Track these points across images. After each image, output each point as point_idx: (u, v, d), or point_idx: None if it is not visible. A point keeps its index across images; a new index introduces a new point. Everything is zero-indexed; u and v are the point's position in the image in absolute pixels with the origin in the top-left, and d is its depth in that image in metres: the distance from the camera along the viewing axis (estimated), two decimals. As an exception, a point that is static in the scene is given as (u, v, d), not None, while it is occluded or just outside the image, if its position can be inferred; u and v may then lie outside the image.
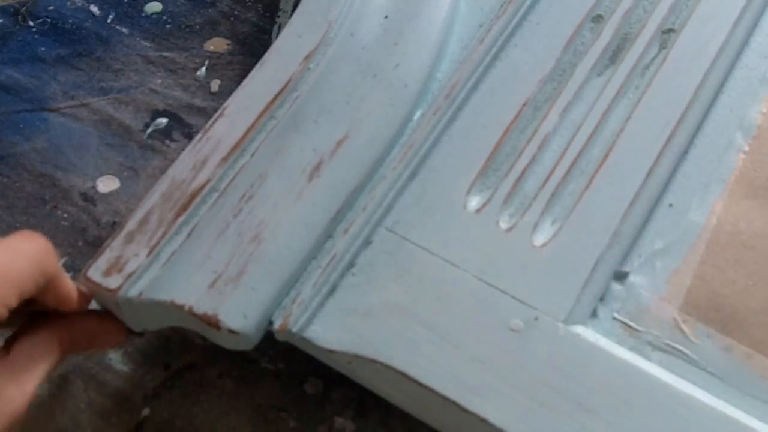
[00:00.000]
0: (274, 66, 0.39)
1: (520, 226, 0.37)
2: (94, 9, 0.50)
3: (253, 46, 0.49)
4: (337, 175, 0.37)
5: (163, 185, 0.36)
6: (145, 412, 0.39)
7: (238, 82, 0.39)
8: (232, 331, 0.33)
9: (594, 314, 0.35)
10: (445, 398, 0.32)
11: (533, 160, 0.38)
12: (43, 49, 0.48)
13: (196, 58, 0.48)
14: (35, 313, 0.33)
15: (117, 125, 0.46)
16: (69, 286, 0.32)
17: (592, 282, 0.35)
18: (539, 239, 0.36)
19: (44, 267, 0.30)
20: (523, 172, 0.38)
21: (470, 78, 0.40)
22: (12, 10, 0.50)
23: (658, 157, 0.38)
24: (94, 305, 0.35)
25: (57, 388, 0.39)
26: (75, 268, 0.42)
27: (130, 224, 0.35)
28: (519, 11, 0.42)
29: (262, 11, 0.50)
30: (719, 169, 0.39)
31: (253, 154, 0.37)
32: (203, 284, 0.34)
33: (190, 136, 0.46)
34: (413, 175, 0.38)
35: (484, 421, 0.32)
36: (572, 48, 0.41)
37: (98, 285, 0.33)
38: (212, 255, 0.35)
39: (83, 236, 0.43)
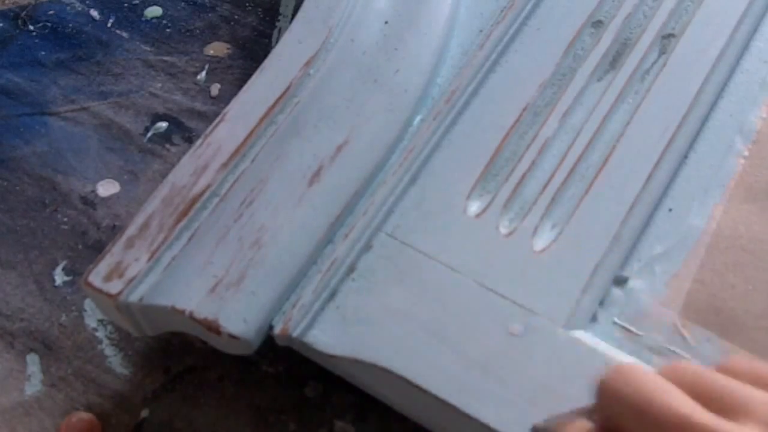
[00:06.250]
0: (275, 71, 0.39)
1: (520, 230, 0.37)
2: (95, 13, 0.50)
3: (253, 50, 0.49)
4: (337, 180, 0.37)
5: (163, 190, 0.36)
6: (144, 413, 0.39)
7: (238, 86, 0.39)
8: (232, 336, 0.33)
9: (594, 319, 0.35)
10: (444, 402, 0.32)
11: (533, 164, 0.38)
12: (43, 53, 0.49)
13: (196, 62, 0.48)
14: None
15: (117, 129, 0.46)
16: None
17: (592, 286, 0.35)
18: (539, 244, 0.36)
19: None
20: (523, 177, 0.38)
21: (470, 83, 0.40)
22: (12, 14, 0.50)
23: (658, 162, 0.38)
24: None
25: (57, 390, 0.39)
26: (75, 271, 0.42)
27: (131, 229, 0.35)
28: (519, 17, 0.42)
29: (262, 15, 0.50)
30: (719, 173, 0.39)
31: (253, 160, 0.37)
32: (204, 289, 0.34)
33: (190, 140, 0.46)
34: (413, 180, 0.38)
35: (483, 425, 0.32)
36: (572, 53, 0.41)
37: (99, 290, 0.34)
38: (213, 260, 0.35)
39: (83, 240, 0.43)
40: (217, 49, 0.49)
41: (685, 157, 0.39)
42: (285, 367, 0.40)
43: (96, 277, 0.34)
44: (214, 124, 0.38)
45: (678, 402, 0.24)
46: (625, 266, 0.37)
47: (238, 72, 0.48)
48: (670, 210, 0.38)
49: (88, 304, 0.41)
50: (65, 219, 0.44)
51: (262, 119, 0.38)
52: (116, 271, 0.34)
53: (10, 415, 0.39)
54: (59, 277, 0.42)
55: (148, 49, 0.49)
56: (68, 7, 0.50)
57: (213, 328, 0.33)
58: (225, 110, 0.38)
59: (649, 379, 0.25)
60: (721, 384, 0.25)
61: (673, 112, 0.39)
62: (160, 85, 0.47)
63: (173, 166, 0.37)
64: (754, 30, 0.42)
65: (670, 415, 0.24)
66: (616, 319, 0.36)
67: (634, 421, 0.24)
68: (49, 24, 0.50)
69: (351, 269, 0.36)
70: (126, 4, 0.50)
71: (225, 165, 0.36)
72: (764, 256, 0.37)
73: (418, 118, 0.40)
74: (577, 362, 0.33)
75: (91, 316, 0.41)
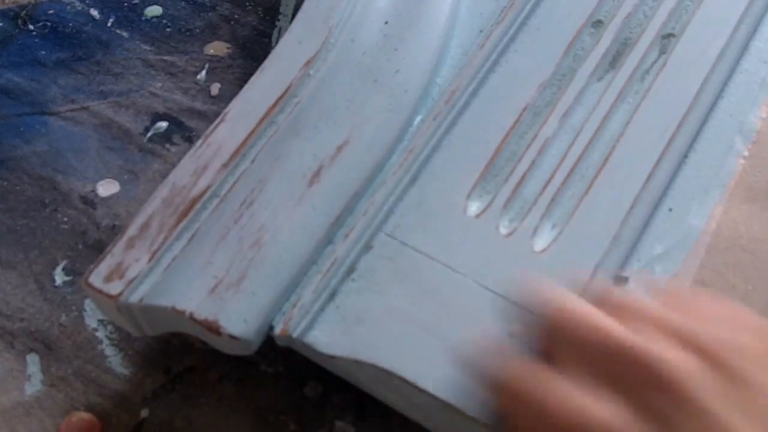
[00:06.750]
0: (275, 72, 0.39)
1: (520, 231, 0.37)
2: (95, 13, 0.50)
3: (253, 49, 0.49)
4: (337, 180, 0.37)
5: (164, 191, 0.36)
6: (144, 413, 0.39)
7: (239, 86, 0.39)
8: (232, 337, 0.33)
9: (594, 319, 0.35)
10: (444, 403, 0.32)
11: (533, 165, 0.38)
12: (43, 52, 0.49)
13: (196, 61, 0.48)
14: None
15: (117, 129, 0.46)
16: None
17: (592, 287, 0.35)
18: (539, 244, 0.36)
19: None
20: (523, 177, 0.38)
21: (470, 83, 0.40)
22: (12, 13, 0.50)
23: (658, 162, 0.38)
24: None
25: (57, 390, 0.39)
26: (75, 271, 0.42)
27: (131, 230, 0.35)
28: (519, 17, 0.42)
29: (262, 15, 0.50)
30: (719, 173, 0.39)
31: (253, 160, 0.37)
32: (204, 290, 0.34)
33: (190, 140, 0.46)
34: (413, 181, 0.38)
35: (484, 425, 0.32)
36: (572, 53, 0.41)
37: (99, 291, 0.34)
38: (213, 260, 0.35)
39: (83, 239, 0.43)
40: (217, 48, 0.49)
41: (685, 157, 0.39)
42: (285, 367, 0.40)
43: (96, 277, 0.34)
44: (214, 124, 0.38)
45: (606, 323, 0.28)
46: (625, 266, 0.37)
47: (238, 72, 0.48)
48: (670, 210, 0.38)
49: (88, 304, 0.41)
50: (65, 219, 0.44)
51: (262, 119, 0.38)
52: (117, 272, 0.34)
53: (10, 414, 0.39)
54: (59, 277, 0.42)
55: (148, 48, 0.49)
56: (68, 7, 0.50)
57: (213, 328, 0.33)
58: (225, 110, 0.38)
59: (587, 311, 0.29)
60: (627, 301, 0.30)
61: (673, 112, 0.39)
62: (160, 84, 0.47)
63: (173, 166, 0.37)
64: (754, 30, 0.42)
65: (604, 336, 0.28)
66: (616, 319, 0.36)
67: (575, 348, 0.29)
68: (49, 24, 0.50)
69: (351, 269, 0.36)
70: (126, 4, 0.50)
71: (225, 165, 0.36)
72: (764, 256, 0.37)
73: (418, 118, 0.40)
74: (577, 362, 0.33)
75: (91, 316, 0.41)
